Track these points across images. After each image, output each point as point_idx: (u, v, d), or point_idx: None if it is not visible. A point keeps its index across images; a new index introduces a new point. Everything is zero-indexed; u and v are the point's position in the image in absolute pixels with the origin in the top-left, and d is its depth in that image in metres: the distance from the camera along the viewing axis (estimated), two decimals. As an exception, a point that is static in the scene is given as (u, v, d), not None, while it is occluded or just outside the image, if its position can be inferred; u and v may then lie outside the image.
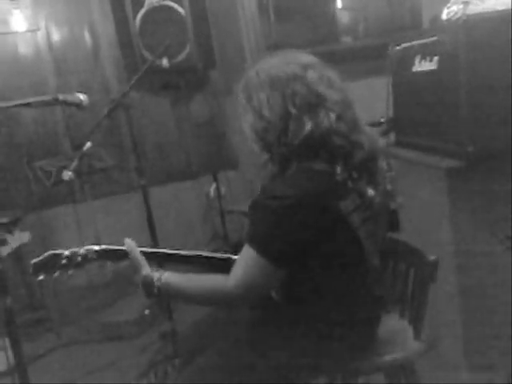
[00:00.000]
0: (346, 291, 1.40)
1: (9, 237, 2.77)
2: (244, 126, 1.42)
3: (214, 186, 3.41)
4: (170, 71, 3.04)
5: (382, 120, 2.26)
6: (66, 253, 1.41)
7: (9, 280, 2.87)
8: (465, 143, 1.80)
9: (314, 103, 1.33)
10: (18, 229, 2.87)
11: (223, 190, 3.41)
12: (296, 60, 1.39)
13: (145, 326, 2.89)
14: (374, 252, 1.42)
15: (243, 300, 1.36)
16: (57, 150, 3.32)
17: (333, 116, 1.33)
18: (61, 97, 1.71)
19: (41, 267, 1.42)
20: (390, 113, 2.24)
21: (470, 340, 1.98)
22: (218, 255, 1.49)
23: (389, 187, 1.45)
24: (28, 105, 1.63)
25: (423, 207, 2.07)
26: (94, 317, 3.06)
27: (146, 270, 1.41)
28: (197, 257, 1.48)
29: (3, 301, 1.53)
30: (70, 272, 1.43)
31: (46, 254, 1.42)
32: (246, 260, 1.33)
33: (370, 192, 1.37)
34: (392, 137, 2.27)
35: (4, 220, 2.87)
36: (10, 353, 1.66)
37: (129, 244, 1.43)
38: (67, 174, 2.14)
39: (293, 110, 1.33)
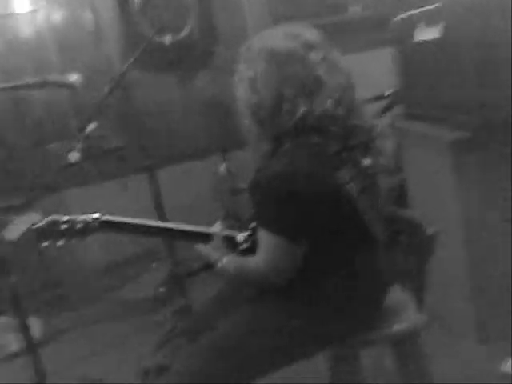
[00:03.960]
0: (351, 261, 1.44)
1: (19, 218, 2.85)
2: (238, 97, 1.44)
3: (223, 164, 3.45)
4: (173, 48, 3.07)
5: (388, 93, 2.27)
6: (65, 218, 1.47)
7: (24, 260, 3.02)
8: (471, 114, 1.82)
9: (311, 88, 1.34)
10: (30, 211, 2.92)
11: (233, 169, 3.45)
12: (300, 36, 1.38)
13: (160, 302, 3.00)
14: (374, 222, 1.46)
15: (276, 280, 1.42)
16: (66, 132, 3.32)
17: (330, 102, 1.34)
18: (51, 78, 1.72)
19: (43, 233, 1.48)
20: (397, 85, 2.25)
21: (478, 311, 2.04)
22: (200, 228, 1.54)
23: (387, 162, 1.49)
24: (17, 87, 1.62)
25: (430, 180, 2.10)
26: (111, 294, 3.18)
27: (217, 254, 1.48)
28: (177, 230, 1.55)
29: (8, 280, 1.58)
30: (74, 241, 1.48)
31: (46, 219, 1.48)
32: (264, 243, 1.39)
33: (365, 162, 1.41)
34: (399, 109, 2.29)
35: (16, 202, 2.97)
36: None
37: (218, 228, 1.52)
38: (74, 156, 2.23)
39: (288, 91, 1.34)
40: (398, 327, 1.53)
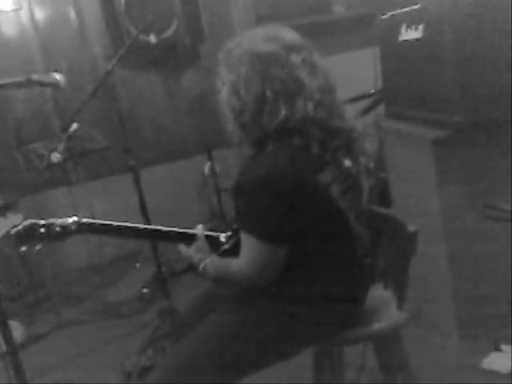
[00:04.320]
0: (334, 262, 1.46)
1: (1, 220, 2.83)
2: (220, 100, 1.45)
3: (209, 164, 3.46)
4: (159, 47, 3.08)
5: (372, 91, 2.31)
6: (42, 222, 1.47)
7: (5, 262, 3.00)
8: (452, 112, 1.86)
9: (293, 90, 1.35)
10: (12, 212, 2.90)
11: (218, 168, 3.46)
12: (280, 38, 1.39)
13: (143, 304, 3.00)
14: (358, 222, 1.48)
15: (258, 283, 1.43)
16: (49, 132, 3.35)
17: (310, 105, 1.35)
18: (34, 77, 1.70)
19: (22, 237, 1.48)
20: (379, 84, 2.29)
21: (459, 307, 2.07)
22: (181, 229, 1.54)
23: (369, 162, 1.50)
24: (1, 86, 1.63)
25: (412, 178, 2.14)
26: (94, 296, 3.17)
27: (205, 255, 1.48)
28: (157, 231, 1.55)
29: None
30: (53, 244, 1.49)
31: (24, 223, 1.48)
32: (246, 247, 1.40)
33: (347, 163, 1.42)
34: (382, 108, 2.33)
35: None
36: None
37: (199, 230, 1.51)
38: (56, 156, 2.22)
39: (269, 94, 1.34)
40: (379, 325, 1.55)
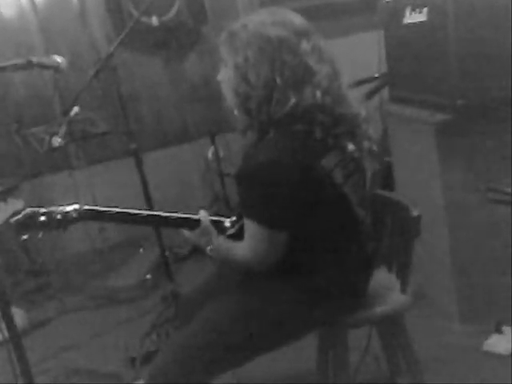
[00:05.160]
0: (337, 246, 1.49)
1: (2, 205, 2.86)
2: (223, 81, 1.45)
3: (212, 148, 3.47)
4: (161, 29, 3.09)
5: (376, 75, 2.33)
6: (43, 210, 1.46)
7: (7, 249, 3.03)
8: (454, 96, 1.89)
9: (302, 77, 1.36)
10: (12, 197, 2.94)
11: (222, 152, 3.47)
12: (290, 23, 1.38)
13: (147, 289, 3.03)
14: (361, 206, 1.51)
15: (261, 267, 1.46)
16: (49, 116, 3.34)
17: (318, 92, 1.36)
18: (35, 60, 1.71)
19: (22, 226, 1.47)
20: (383, 67, 2.31)
21: (460, 290, 2.12)
22: (184, 215, 1.54)
23: (372, 146, 1.52)
24: (1, 69, 1.62)
25: (415, 161, 2.17)
26: (96, 282, 3.20)
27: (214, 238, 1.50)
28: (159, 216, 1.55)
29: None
30: (54, 231, 1.49)
31: (24, 212, 1.46)
32: (249, 232, 1.43)
33: (350, 147, 1.44)
34: (386, 92, 2.35)
35: None
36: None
37: (203, 215, 1.52)
38: (57, 141, 2.21)
39: (279, 81, 1.34)
40: (383, 308, 1.58)
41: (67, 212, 1.46)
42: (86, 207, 1.48)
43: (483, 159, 1.98)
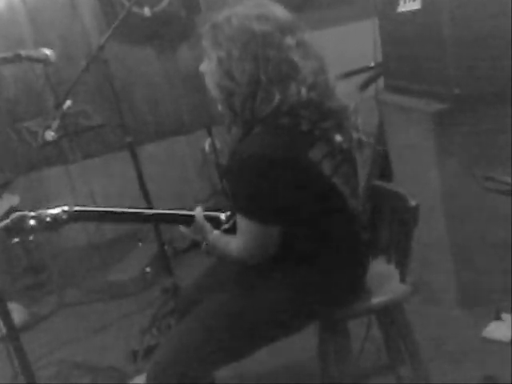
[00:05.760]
0: (331, 236, 1.50)
1: None
2: (205, 73, 1.44)
3: (209, 140, 3.47)
4: (153, 20, 3.08)
5: (372, 64, 2.34)
6: (32, 213, 1.44)
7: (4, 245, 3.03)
8: (451, 85, 1.90)
9: (287, 73, 1.34)
10: (8, 192, 2.95)
11: (219, 144, 3.46)
12: (274, 18, 1.36)
13: (146, 283, 3.06)
14: (353, 197, 1.51)
15: (255, 261, 1.48)
16: (42, 109, 3.37)
17: (304, 89, 1.36)
18: (23, 53, 1.70)
19: (11, 230, 1.45)
20: (378, 57, 2.32)
21: (459, 278, 2.15)
22: (179, 211, 1.55)
23: (362, 136, 1.52)
24: None
25: (412, 151, 2.19)
26: (96, 276, 3.21)
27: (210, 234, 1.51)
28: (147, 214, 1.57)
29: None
30: (45, 233, 1.48)
31: (11, 217, 1.44)
32: (240, 227, 1.44)
33: (338, 138, 1.43)
34: (381, 82, 2.36)
35: None
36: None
37: (197, 212, 1.52)
38: (50, 134, 2.22)
39: (263, 78, 1.33)
40: (382, 298, 1.61)
41: (57, 214, 1.44)
42: (76, 208, 1.45)
43: (480, 148, 1.99)
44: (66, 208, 1.44)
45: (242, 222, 1.43)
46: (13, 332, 1.69)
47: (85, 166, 3.35)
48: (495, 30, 1.85)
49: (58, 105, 2.24)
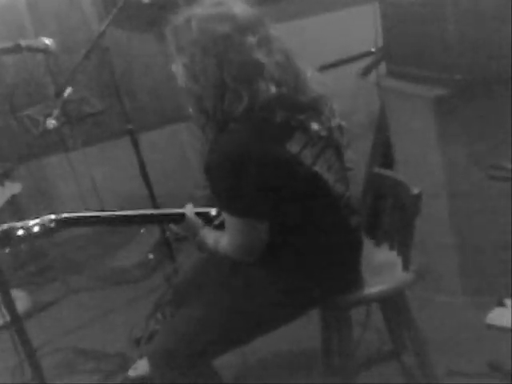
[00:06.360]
0: (318, 224, 1.47)
1: None
2: (177, 76, 1.40)
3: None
4: (152, 7, 3.01)
5: (373, 50, 2.28)
6: (19, 224, 1.44)
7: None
8: (453, 70, 1.86)
9: (252, 73, 1.32)
10: (10, 180, 2.90)
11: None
12: (233, 18, 1.33)
13: (149, 269, 3.04)
14: (338, 181, 1.48)
15: (244, 258, 1.46)
16: (43, 97, 3.28)
17: (272, 85, 1.33)
18: (23, 43, 1.69)
19: (1, 241, 1.45)
20: (380, 42, 2.26)
21: (462, 264, 2.13)
22: (169, 211, 1.55)
23: (340, 121, 1.49)
24: None
25: (414, 137, 2.15)
26: (98, 263, 3.19)
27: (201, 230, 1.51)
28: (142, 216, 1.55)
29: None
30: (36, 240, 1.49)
31: (0, 229, 1.44)
32: (227, 224, 1.43)
33: (314, 126, 1.40)
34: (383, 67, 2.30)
35: None
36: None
37: (188, 209, 1.52)
38: (51, 123, 2.19)
39: (228, 80, 1.31)
40: (385, 286, 1.58)
41: (45, 223, 1.43)
42: (64, 215, 1.45)
43: (483, 134, 1.95)
44: (52, 217, 1.44)
45: (226, 218, 1.42)
46: (17, 319, 1.69)
47: (85, 153, 3.32)
48: (498, 14, 1.79)
49: (59, 92, 2.21)
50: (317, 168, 1.41)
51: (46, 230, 1.44)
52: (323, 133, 1.43)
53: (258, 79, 1.32)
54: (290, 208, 1.42)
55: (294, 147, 1.37)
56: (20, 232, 1.43)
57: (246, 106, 1.33)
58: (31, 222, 1.43)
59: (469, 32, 1.80)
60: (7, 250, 1.52)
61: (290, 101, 1.37)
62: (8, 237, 1.43)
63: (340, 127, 1.49)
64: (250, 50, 1.32)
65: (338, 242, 1.50)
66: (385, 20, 2.22)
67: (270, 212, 1.40)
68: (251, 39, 1.32)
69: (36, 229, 1.43)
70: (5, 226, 1.43)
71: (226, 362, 1.69)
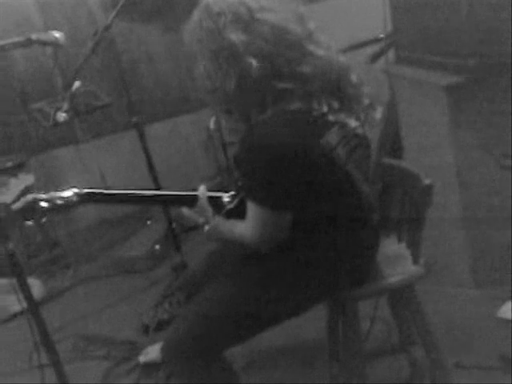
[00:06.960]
0: (341, 222, 1.44)
1: (13, 180, 2.87)
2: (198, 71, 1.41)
3: (213, 118, 3.40)
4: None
5: (382, 36, 2.19)
6: (44, 196, 1.47)
7: (21, 223, 3.02)
8: (466, 56, 1.76)
9: (232, 54, 1.30)
10: (23, 172, 2.99)
11: (223, 122, 3.34)
12: (205, 9, 1.36)
13: (156, 259, 3.04)
14: (366, 181, 1.46)
15: (263, 248, 1.42)
16: (52, 90, 3.30)
17: (254, 62, 1.28)
18: (34, 37, 1.70)
19: (24, 213, 1.48)
20: (389, 27, 2.17)
21: (474, 257, 2.05)
22: (183, 192, 1.54)
23: (368, 115, 1.44)
24: (1, 48, 1.61)
25: (425, 126, 2.07)
26: (108, 253, 3.23)
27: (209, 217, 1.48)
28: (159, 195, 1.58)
29: (6, 246, 1.60)
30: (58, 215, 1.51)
31: (24, 199, 1.47)
32: (251, 213, 1.38)
33: (353, 123, 1.38)
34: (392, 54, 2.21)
35: (9, 164, 3.00)
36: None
37: (201, 191, 1.49)
38: (61, 116, 2.21)
39: (224, 65, 1.32)
40: (394, 279, 1.52)
41: (68, 196, 1.46)
42: (87, 190, 1.47)
43: (496, 123, 1.86)
44: (76, 190, 1.47)
45: (253, 208, 1.37)
46: (33, 306, 1.71)
47: (93, 144, 3.32)
48: (514, -1, 1.68)
49: (67, 86, 2.22)
50: (348, 167, 1.39)
51: (68, 204, 1.46)
52: (359, 130, 1.41)
53: (240, 57, 1.30)
54: (316, 204, 1.39)
55: (328, 143, 1.34)
56: (44, 204, 1.45)
57: (239, 85, 1.31)
58: (55, 195, 1.46)
59: (482, 16, 1.70)
60: (29, 223, 1.53)
61: (295, 71, 1.31)
62: (32, 208, 1.46)
63: (373, 121, 1.45)
64: (224, 32, 1.31)
65: (358, 239, 1.48)
66: (394, 5, 2.13)
67: (297, 206, 1.37)
68: (225, 20, 1.31)
69: (59, 201, 1.46)
70: (30, 197, 1.45)
71: (232, 354, 1.61)
